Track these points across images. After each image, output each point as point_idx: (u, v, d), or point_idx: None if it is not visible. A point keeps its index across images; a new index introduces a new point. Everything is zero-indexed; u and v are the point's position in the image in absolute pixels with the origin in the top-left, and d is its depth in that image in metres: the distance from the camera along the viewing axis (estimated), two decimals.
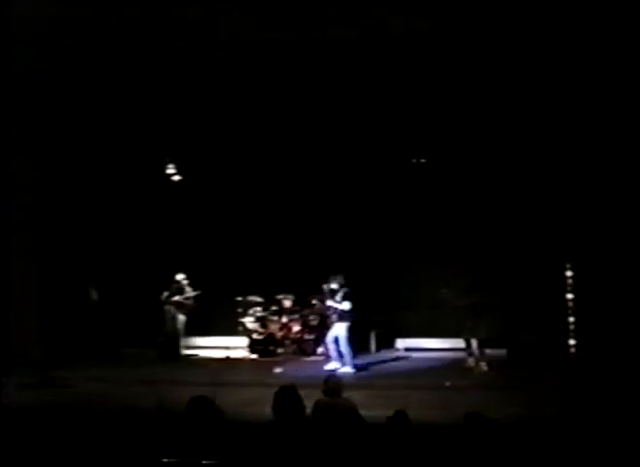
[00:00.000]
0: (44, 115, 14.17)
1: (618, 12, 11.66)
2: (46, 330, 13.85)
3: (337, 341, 13.40)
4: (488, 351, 13.35)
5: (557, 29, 12.32)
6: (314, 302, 15.05)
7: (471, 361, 13.34)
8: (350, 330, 13.46)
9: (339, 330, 13.38)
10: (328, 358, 13.57)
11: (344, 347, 13.35)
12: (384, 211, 15.04)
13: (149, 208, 15.79)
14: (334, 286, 13.54)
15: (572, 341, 13.75)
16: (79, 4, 11.74)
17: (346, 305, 13.37)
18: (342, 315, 13.42)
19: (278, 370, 13.49)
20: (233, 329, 15.47)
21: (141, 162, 15.58)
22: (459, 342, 13.82)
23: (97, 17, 12.22)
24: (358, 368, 13.35)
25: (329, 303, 13.65)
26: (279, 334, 15.22)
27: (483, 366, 13.17)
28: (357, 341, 14.75)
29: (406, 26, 12.36)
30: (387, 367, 13.89)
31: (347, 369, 13.18)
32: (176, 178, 15.93)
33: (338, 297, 13.45)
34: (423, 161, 15.01)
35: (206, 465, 5.71)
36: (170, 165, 15.82)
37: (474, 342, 13.34)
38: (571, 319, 13.82)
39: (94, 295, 15.19)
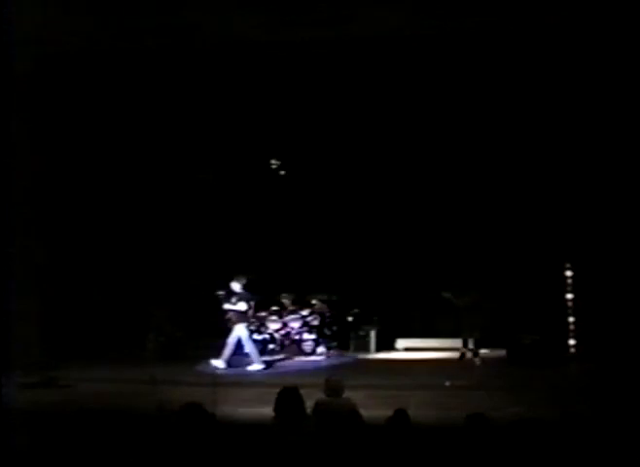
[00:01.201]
0: (43, 114, 14.16)
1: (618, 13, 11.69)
2: (46, 330, 13.84)
3: (239, 342, 13.61)
4: (488, 351, 13.40)
5: (555, 29, 12.34)
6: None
7: (477, 360, 13.50)
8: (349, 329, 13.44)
9: (239, 331, 13.57)
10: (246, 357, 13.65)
11: (248, 346, 13.58)
12: (384, 211, 15.04)
13: (149, 208, 15.78)
14: (234, 287, 13.69)
15: (572, 341, 13.79)
16: (81, 7, 11.77)
17: (242, 307, 13.58)
18: (240, 316, 13.60)
19: None
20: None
21: (141, 163, 15.59)
22: (459, 342, 13.86)
23: (99, 19, 12.24)
24: (267, 364, 13.55)
25: (225, 306, 13.84)
26: (279, 334, 15.22)
27: (477, 361, 13.46)
28: (358, 342, 14.85)
29: (407, 27, 12.39)
30: (387, 367, 13.88)
31: (256, 366, 13.41)
32: (176, 179, 15.95)
33: (234, 299, 13.67)
34: (423, 160, 15.03)
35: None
36: (170, 167, 15.85)
37: (471, 342, 13.49)
38: (571, 319, 13.86)
39: (96, 295, 15.20)
